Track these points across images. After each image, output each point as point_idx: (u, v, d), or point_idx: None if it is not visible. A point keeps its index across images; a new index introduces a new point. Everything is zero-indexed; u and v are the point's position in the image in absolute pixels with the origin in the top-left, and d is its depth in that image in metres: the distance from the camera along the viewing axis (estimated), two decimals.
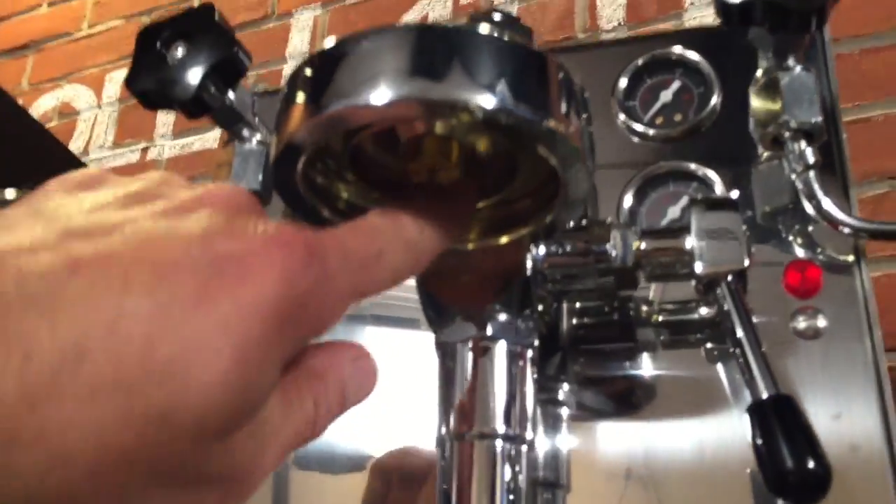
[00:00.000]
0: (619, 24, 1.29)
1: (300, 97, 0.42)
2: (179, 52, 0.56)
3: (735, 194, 0.53)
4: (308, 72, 0.42)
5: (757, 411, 0.48)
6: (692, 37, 0.71)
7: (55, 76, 1.86)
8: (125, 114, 1.74)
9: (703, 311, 0.62)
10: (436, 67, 0.38)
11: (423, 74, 0.39)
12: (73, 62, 1.86)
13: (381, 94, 0.38)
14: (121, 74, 1.75)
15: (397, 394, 0.67)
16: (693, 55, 0.68)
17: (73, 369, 0.22)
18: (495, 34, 0.40)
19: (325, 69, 0.41)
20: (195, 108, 0.56)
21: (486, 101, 0.38)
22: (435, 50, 0.39)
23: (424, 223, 0.38)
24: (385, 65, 0.39)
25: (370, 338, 0.70)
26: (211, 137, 1.62)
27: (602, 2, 1.33)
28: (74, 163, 0.93)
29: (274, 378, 0.28)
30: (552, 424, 0.63)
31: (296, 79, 0.43)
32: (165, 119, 1.68)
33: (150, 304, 0.24)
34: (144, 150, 1.69)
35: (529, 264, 0.52)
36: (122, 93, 1.76)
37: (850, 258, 0.59)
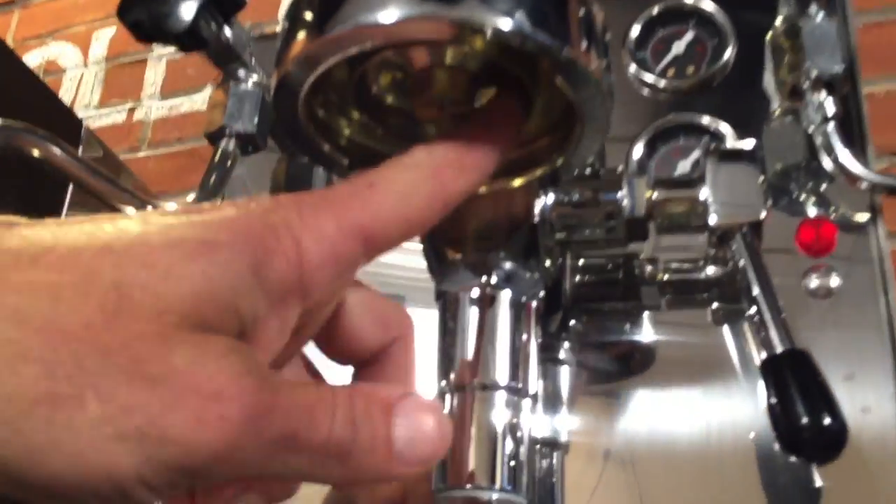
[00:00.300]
0: None
1: (304, 19, 0.39)
2: None
3: (753, 143, 0.51)
4: None
5: (771, 366, 0.46)
6: None
7: (41, 33, 1.82)
8: (112, 73, 1.70)
9: (711, 270, 0.60)
10: None
11: None
12: (59, 19, 1.81)
13: (390, 13, 0.36)
14: (108, 32, 1.71)
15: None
16: (708, 5, 0.66)
17: None
18: None
19: None
20: (189, 41, 0.53)
21: (503, 23, 0.36)
22: None
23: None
24: None
25: None
26: (200, 99, 1.59)
27: None
28: (65, 113, 0.90)
29: None
30: (552, 384, 0.62)
31: (297, 2, 0.40)
32: (154, 79, 1.65)
33: None
34: (131, 110, 1.65)
35: (537, 212, 0.50)
36: (109, 51, 1.72)
37: (866, 217, 0.57)
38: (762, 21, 0.61)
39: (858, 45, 0.63)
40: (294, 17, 0.40)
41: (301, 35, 0.39)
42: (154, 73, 1.66)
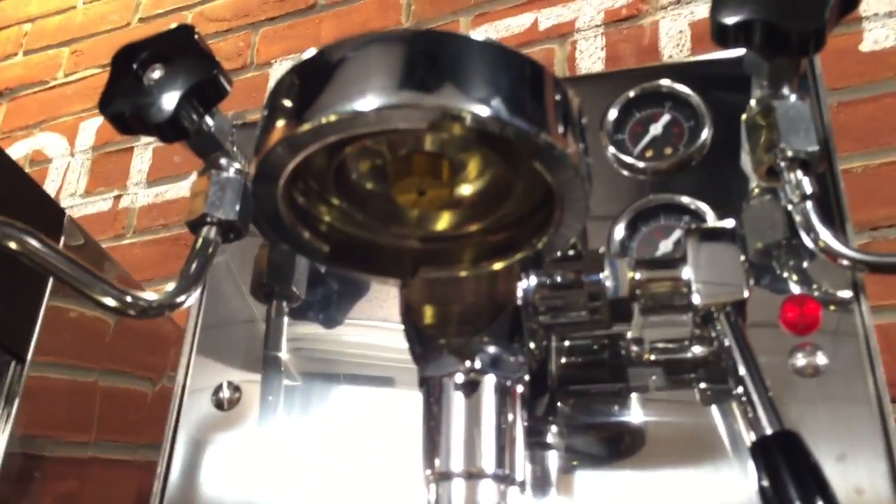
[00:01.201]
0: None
1: (284, 107, 0.39)
2: (156, 73, 0.54)
3: (733, 223, 0.51)
4: (292, 81, 0.40)
5: (761, 449, 0.45)
6: (682, 70, 0.70)
7: (28, 124, 1.83)
8: (98, 162, 1.72)
9: (697, 349, 0.59)
10: (428, 74, 0.37)
11: (413, 81, 0.37)
12: (47, 110, 1.84)
13: (369, 102, 0.36)
14: (95, 123, 1.73)
15: (377, 450, 0.64)
16: (683, 88, 0.67)
17: None
18: (491, 41, 0.38)
19: (309, 78, 0.39)
20: (172, 131, 0.53)
21: (481, 110, 0.36)
22: (426, 56, 0.37)
23: None
24: (372, 72, 0.37)
25: (344, 397, 0.67)
26: (185, 186, 1.60)
27: (581, 53, 1.33)
28: (49, 204, 0.90)
29: None
30: (540, 470, 0.60)
31: (278, 90, 0.41)
32: (140, 166, 1.66)
33: None
34: (117, 197, 1.66)
35: (520, 295, 0.50)
36: (96, 140, 1.74)
37: (849, 294, 0.57)
38: (738, 101, 0.61)
39: (833, 122, 0.64)
40: (274, 106, 0.41)
41: (281, 123, 0.39)
42: (140, 161, 1.68)
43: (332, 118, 0.37)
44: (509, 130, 0.37)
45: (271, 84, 1.59)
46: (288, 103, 0.40)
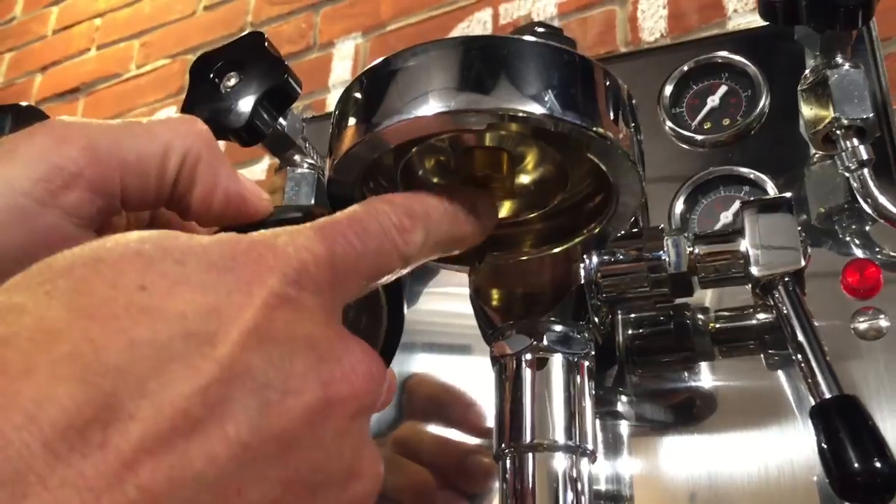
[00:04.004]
0: (662, 35, 1.29)
1: (351, 115, 0.42)
2: (232, 81, 0.57)
3: (789, 194, 0.52)
4: (358, 90, 0.43)
5: (820, 413, 0.47)
6: (737, 40, 0.71)
7: (107, 117, 1.90)
8: None
9: (761, 316, 0.61)
10: (483, 78, 0.39)
11: (470, 85, 0.39)
12: (122, 103, 1.90)
13: (430, 107, 0.39)
14: (169, 112, 1.79)
15: (453, 418, 0.67)
16: (739, 58, 0.67)
17: None
18: (540, 41, 0.40)
19: (374, 86, 0.42)
20: (249, 135, 0.57)
21: (534, 108, 0.39)
22: (481, 60, 0.39)
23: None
24: (433, 78, 0.40)
25: (423, 365, 0.70)
26: (259, 169, 1.64)
27: (643, 13, 1.32)
28: None
29: None
30: (612, 437, 0.63)
31: (346, 98, 0.44)
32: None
33: None
34: None
35: (583, 274, 0.52)
36: None
37: None
38: (795, 69, 0.62)
39: (890, 79, 0.64)
40: (342, 115, 0.44)
41: (350, 130, 0.42)
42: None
43: (397, 124, 0.40)
44: (563, 126, 0.39)
45: (335, 64, 1.62)
46: (356, 110, 0.43)
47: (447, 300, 0.70)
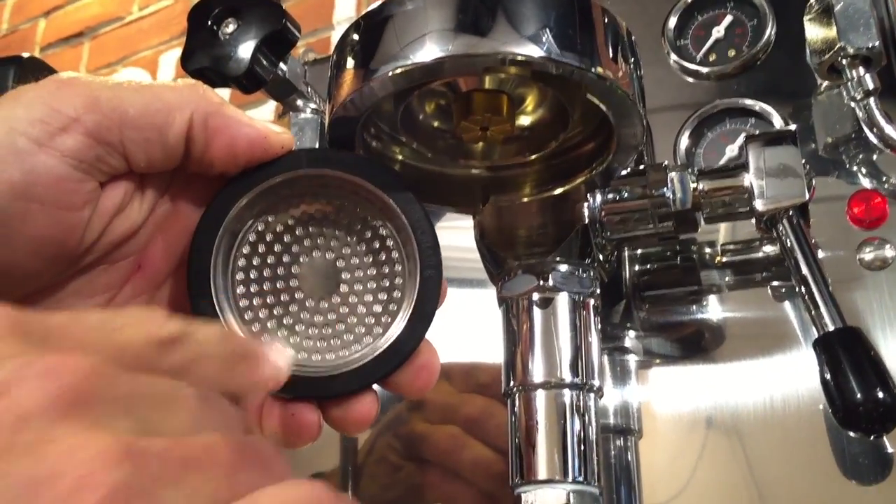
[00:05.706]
0: None
1: (349, 62, 0.42)
2: (230, 27, 0.57)
3: (793, 127, 0.52)
4: (355, 36, 0.42)
5: (823, 345, 0.48)
6: None
7: (111, 61, 1.89)
8: None
9: (767, 248, 0.61)
10: (480, 21, 0.39)
11: (468, 29, 0.39)
12: (126, 46, 1.89)
13: (428, 53, 0.39)
14: (174, 55, 1.77)
15: (465, 352, 0.68)
16: None
17: None
18: None
19: (371, 33, 0.41)
20: (249, 82, 0.57)
21: (532, 51, 0.38)
22: (479, 3, 0.39)
23: None
24: (431, 23, 0.39)
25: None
26: (265, 111, 1.64)
27: None
28: None
29: None
30: (620, 371, 0.64)
31: (343, 44, 0.43)
32: (222, 94, 1.71)
33: None
34: None
35: (587, 213, 0.52)
36: (176, 73, 1.78)
37: None
38: None
39: None
40: (339, 61, 0.43)
41: (347, 79, 0.42)
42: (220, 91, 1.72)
43: (394, 70, 0.40)
44: (562, 68, 0.39)
45: (338, 0, 1.60)
46: (353, 56, 0.42)
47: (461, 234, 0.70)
